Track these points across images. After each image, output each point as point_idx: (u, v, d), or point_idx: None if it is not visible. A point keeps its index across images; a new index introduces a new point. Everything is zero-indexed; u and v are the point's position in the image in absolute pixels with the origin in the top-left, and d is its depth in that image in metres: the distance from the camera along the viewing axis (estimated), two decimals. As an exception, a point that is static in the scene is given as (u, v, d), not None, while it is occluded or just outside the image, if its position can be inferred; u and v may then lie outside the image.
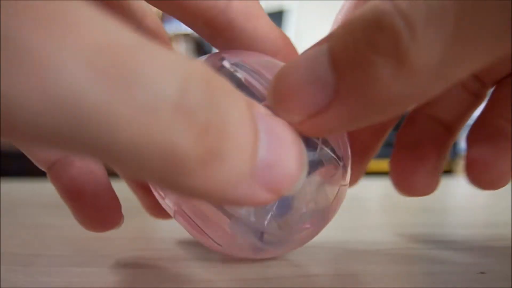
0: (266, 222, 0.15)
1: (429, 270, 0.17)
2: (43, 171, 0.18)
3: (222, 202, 0.14)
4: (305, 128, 0.13)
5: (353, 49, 0.11)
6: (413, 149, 0.20)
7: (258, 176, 0.11)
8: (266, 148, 0.11)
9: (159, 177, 0.09)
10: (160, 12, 0.18)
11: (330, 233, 0.19)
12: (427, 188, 0.20)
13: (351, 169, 0.18)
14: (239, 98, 0.11)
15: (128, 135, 0.08)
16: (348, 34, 0.12)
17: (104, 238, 0.22)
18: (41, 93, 0.08)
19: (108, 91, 0.08)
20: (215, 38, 0.18)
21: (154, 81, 0.09)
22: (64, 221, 0.27)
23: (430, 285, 0.15)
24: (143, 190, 0.21)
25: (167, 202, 0.17)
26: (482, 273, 0.16)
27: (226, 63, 0.16)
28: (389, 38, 0.11)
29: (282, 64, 0.16)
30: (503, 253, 0.19)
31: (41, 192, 0.43)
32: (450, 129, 0.20)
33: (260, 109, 0.11)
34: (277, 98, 0.13)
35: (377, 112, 0.12)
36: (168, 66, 0.09)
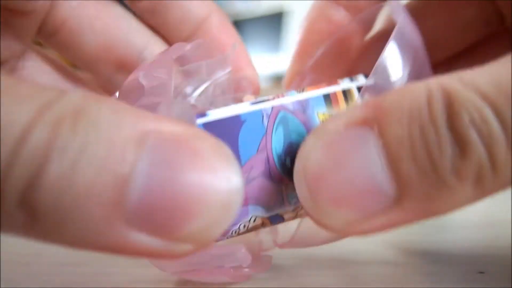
0: None
1: (428, 270, 0.17)
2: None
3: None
4: (346, 231, 0.11)
5: (427, 170, 0.10)
6: None
7: (131, 211, 0.08)
8: (146, 172, 0.08)
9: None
10: None
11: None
12: None
13: None
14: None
15: None
16: (416, 149, 0.10)
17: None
18: None
19: None
20: None
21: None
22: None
23: (430, 285, 0.15)
24: None
25: None
26: (481, 272, 0.16)
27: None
28: (475, 166, 0.10)
29: None
30: (502, 253, 0.19)
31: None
32: None
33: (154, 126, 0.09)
34: (318, 204, 0.11)
35: (437, 215, 0.11)
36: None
